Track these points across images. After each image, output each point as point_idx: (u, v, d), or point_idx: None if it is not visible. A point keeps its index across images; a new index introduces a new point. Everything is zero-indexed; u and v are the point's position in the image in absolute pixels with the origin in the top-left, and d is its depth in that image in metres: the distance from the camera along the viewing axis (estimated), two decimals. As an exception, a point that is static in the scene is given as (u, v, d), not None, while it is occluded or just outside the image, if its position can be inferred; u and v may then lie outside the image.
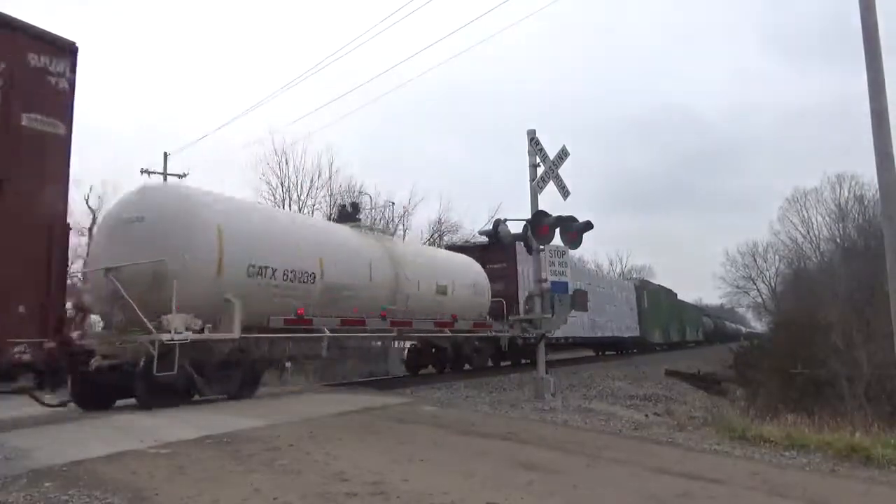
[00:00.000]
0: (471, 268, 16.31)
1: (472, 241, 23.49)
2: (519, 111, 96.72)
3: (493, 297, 16.42)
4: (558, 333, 15.79)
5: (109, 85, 75.66)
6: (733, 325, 73.99)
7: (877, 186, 9.01)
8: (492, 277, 16.80)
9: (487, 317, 16.04)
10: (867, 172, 39.52)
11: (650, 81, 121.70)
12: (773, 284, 59.19)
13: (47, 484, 4.30)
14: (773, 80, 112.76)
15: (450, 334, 14.51)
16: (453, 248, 20.49)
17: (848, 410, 13.85)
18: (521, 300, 15.25)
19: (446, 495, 4.19)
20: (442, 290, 14.26)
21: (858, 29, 8.64)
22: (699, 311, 55.86)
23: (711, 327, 57.02)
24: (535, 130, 11.42)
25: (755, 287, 62.15)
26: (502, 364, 18.45)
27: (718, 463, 5.73)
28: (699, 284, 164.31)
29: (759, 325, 68.12)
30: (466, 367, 16.89)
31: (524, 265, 16.44)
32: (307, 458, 5.23)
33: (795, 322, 27.41)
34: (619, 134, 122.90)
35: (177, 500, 4.02)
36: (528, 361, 17.34)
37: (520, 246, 13.94)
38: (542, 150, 11.41)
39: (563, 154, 11.72)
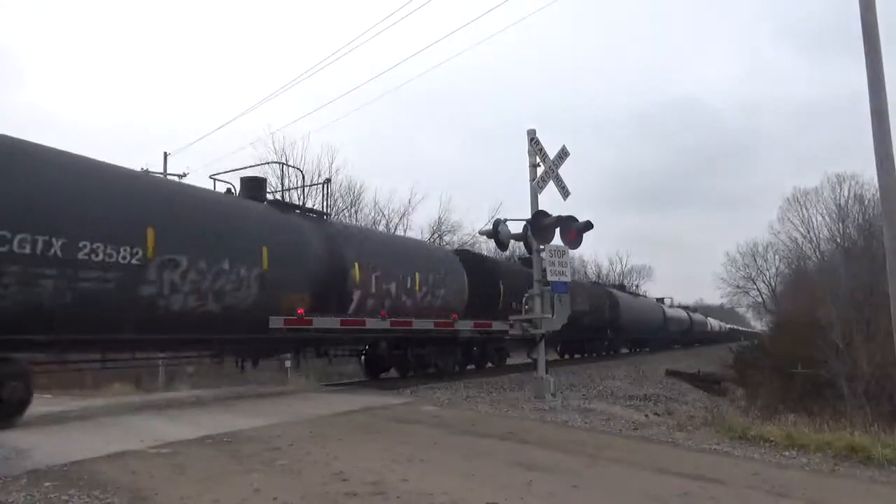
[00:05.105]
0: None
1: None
2: (520, 110, 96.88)
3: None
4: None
5: (108, 85, 75.68)
6: (683, 315, 42.81)
7: (877, 186, 9.00)
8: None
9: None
10: (867, 172, 39.54)
11: (653, 76, 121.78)
12: (773, 284, 59.19)
13: (47, 484, 4.30)
14: (784, 75, 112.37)
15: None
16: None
17: (848, 410, 13.88)
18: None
19: (446, 495, 4.19)
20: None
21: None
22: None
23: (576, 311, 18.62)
24: (535, 130, 11.41)
25: (755, 287, 62.20)
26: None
27: (718, 463, 5.72)
28: (700, 285, 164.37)
29: (758, 325, 67.20)
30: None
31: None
32: (307, 457, 5.23)
33: (795, 322, 27.45)
34: (621, 131, 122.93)
35: (177, 500, 4.02)
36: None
37: None
38: (542, 149, 11.39)
39: (563, 154, 11.70)
